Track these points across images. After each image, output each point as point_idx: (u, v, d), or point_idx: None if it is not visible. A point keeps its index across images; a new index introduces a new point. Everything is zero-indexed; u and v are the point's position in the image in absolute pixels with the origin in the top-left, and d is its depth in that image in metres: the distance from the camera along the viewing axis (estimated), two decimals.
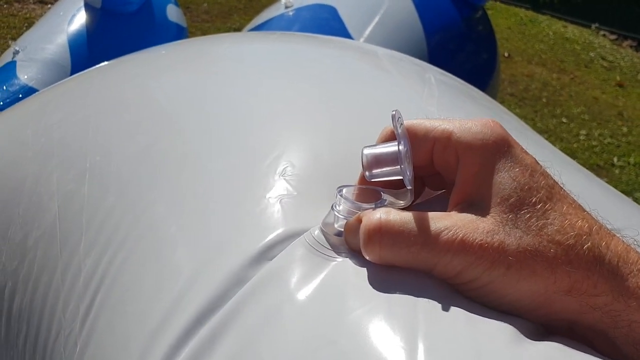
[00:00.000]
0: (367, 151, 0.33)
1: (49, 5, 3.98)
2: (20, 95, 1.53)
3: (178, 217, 0.37)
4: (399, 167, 0.32)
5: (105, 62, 0.69)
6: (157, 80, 0.55)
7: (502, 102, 3.68)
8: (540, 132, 3.57)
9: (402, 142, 0.32)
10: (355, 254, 0.31)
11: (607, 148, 3.55)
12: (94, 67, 0.67)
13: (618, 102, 4.28)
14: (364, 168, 0.33)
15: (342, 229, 0.32)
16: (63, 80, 0.67)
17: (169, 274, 0.34)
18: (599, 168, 3.33)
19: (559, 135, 3.62)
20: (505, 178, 0.30)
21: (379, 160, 0.33)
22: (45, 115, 0.55)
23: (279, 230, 0.33)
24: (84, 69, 1.70)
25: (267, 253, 0.32)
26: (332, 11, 1.46)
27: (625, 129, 3.84)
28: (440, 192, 0.36)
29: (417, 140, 0.33)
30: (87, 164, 0.44)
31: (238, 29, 4.28)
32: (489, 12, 1.97)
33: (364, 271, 0.30)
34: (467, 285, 0.29)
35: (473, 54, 1.89)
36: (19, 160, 0.52)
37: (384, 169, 0.33)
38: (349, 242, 0.32)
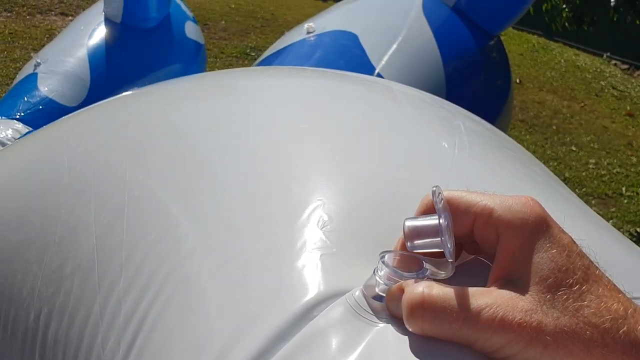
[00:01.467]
0: (409, 223, 0.34)
1: (70, 17, 4.03)
2: (41, 107, 1.55)
3: (219, 267, 0.37)
4: (439, 239, 0.33)
5: (139, 89, 0.69)
6: (194, 116, 0.56)
7: (512, 129, 3.69)
8: (550, 159, 3.57)
9: (442, 217, 0.33)
10: (396, 321, 0.32)
11: (615, 177, 3.55)
12: (128, 93, 0.67)
13: (628, 132, 4.28)
14: (406, 239, 0.34)
15: (383, 294, 0.33)
16: (94, 105, 0.68)
17: (210, 327, 0.34)
18: (608, 197, 3.33)
19: (568, 163, 3.62)
20: (543, 258, 0.31)
21: (420, 233, 0.34)
22: (81, 142, 0.56)
23: (320, 290, 0.34)
24: (103, 82, 1.72)
25: (308, 313, 0.33)
26: (354, 38, 1.48)
27: (634, 159, 3.83)
28: (475, 256, 0.37)
29: (458, 213, 0.34)
30: (125, 197, 0.45)
31: (255, 48, 4.31)
32: (502, 38, 1.99)
33: (405, 340, 0.31)
34: None
35: (488, 81, 1.90)
36: (54, 185, 0.53)
37: (425, 241, 0.34)
38: (390, 308, 0.33)
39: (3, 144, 1.36)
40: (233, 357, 0.32)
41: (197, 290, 0.37)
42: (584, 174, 3.51)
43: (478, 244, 0.35)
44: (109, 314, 0.39)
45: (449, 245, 0.33)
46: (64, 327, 0.43)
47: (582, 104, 4.71)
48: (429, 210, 0.35)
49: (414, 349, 0.30)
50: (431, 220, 0.34)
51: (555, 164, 3.54)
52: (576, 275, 0.31)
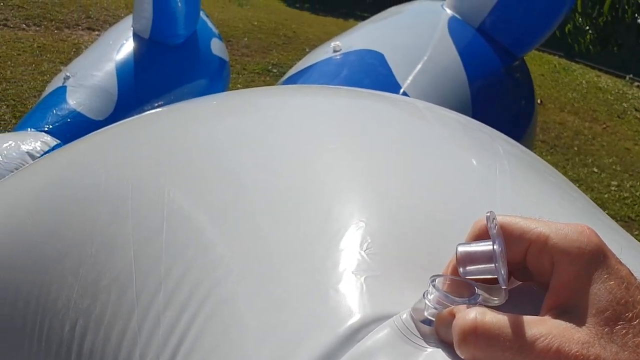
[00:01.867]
0: (461, 249, 0.34)
1: (97, 32, 4.11)
2: (69, 120, 1.57)
3: (258, 288, 0.37)
4: (493, 266, 0.33)
5: (171, 105, 0.70)
6: (231, 134, 0.56)
7: (534, 149, 3.66)
8: (572, 180, 3.52)
9: (496, 242, 0.33)
10: (446, 346, 0.32)
11: (638, 200, 3.50)
12: (161, 109, 0.68)
13: None
14: (458, 264, 0.33)
15: (432, 318, 0.33)
16: (128, 120, 0.68)
17: (250, 349, 0.34)
18: (631, 220, 3.28)
19: (589, 185, 3.58)
20: (601, 290, 0.30)
21: (473, 259, 0.33)
22: (116, 157, 0.56)
23: (366, 312, 0.33)
24: (130, 96, 1.75)
25: (354, 335, 0.32)
26: (380, 57, 1.48)
27: None
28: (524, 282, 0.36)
29: (512, 239, 0.33)
30: (164, 213, 0.45)
31: (276, 64, 4.35)
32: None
33: None
34: None
35: (513, 101, 1.90)
36: (89, 199, 0.53)
37: (478, 267, 0.33)
38: (440, 333, 0.32)
39: (32, 156, 1.38)
40: None
41: (236, 311, 0.36)
42: (606, 196, 3.47)
43: (529, 271, 0.34)
44: (147, 328, 0.40)
45: (503, 272, 0.32)
46: (101, 339, 0.43)
47: (604, 126, 4.67)
48: (481, 236, 0.34)
49: None
50: (485, 246, 0.33)
51: (577, 185, 3.50)
52: (636, 309, 0.30)
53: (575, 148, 4.09)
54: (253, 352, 0.34)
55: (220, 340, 0.35)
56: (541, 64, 5.77)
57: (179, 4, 1.79)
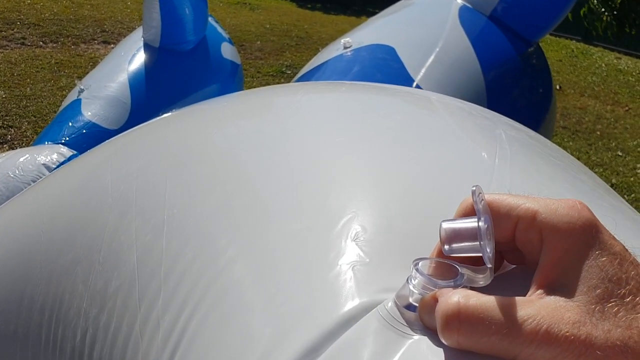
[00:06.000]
0: (446, 225, 0.32)
1: (112, 45, 4.17)
2: (84, 131, 1.59)
3: (253, 283, 0.37)
4: (478, 243, 0.31)
5: (179, 110, 0.70)
6: (231, 132, 0.56)
7: (555, 136, 3.61)
8: (595, 165, 3.47)
9: (482, 219, 0.31)
10: (431, 333, 0.30)
11: None
12: (168, 114, 0.68)
13: None
14: (442, 242, 0.32)
15: (417, 304, 0.31)
16: (137, 127, 0.69)
17: (245, 342, 0.34)
18: None
19: (614, 169, 3.52)
20: (592, 266, 0.29)
21: (458, 235, 0.32)
22: (123, 163, 0.57)
23: (353, 302, 0.33)
24: (143, 105, 1.76)
25: (340, 326, 0.31)
26: (391, 51, 1.47)
27: None
28: (517, 266, 0.35)
29: (499, 216, 0.32)
30: (164, 216, 0.45)
31: (290, 66, 4.36)
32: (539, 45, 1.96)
33: (440, 352, 0.29)
34: None
35: (529, 89, 1.87)
36: (99, 206, 0.53)
37: (463, 245, 0.31)
38: (424, 319, 0.31)
39: (48, 168, 1.40)
40: None
41: (233, 305, 0.36)
42: (632, 179, 3.40)
43: (521, 251, 0.33)
44: (148, 332, 0.39)
45: (489, 250, 0.31)
46: (108, 346, 0.43)
47: (627, 108, 4.59)
48: (468, 213, 0.33)
49: None
50: (470, 223, 0.31)
51: (601, 170, 3.44)
52: (629, 285, 0.28)
53: (598, 132, 4.03)
54: (247, 345, 0.33)
55: (220, 330, 0.35)
56: (558, 49, 5.69)
57: (187, 11, 1.80)
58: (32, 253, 0.59)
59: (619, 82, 5.10)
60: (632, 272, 0.29)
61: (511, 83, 1.74)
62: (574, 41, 5.95)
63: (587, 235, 0.30)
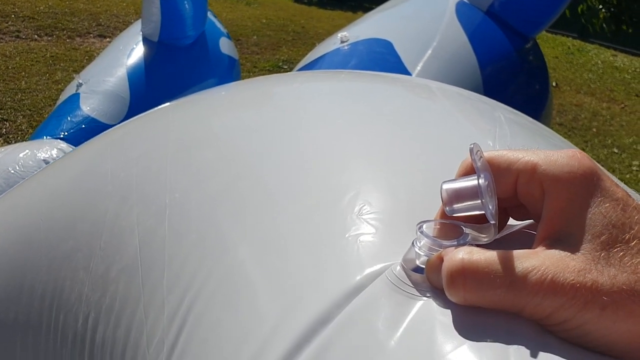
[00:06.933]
0: (446, 186, 0.32)
1: (108, 39, 4.16)
2: (83, 126, 1.59)
3: (260, 258, 0.37)
4: (480, 201, 0.31)
5: (178, 100, 0.71)
6: (232, 119, 0.56)
7: None
8: None
9: (482, 176, 0.31)
10: (439, 293, 0.31)
11: None
12: (167, 104, 0.69)
13: None
14: (444, 203, 0.32)
15: (423, 266, 0.31)
16: (136, 117, 0.69)
17: (253, 316, 0.34)
18: None
19: (610, 166, 3.53)
20: (595, 213, 0.29)
21: (459, 195, 0.32)
22: (123, 151, 0.57)
23: (361, 270, 0.33)
24: (142, 99, 1.76)
25: (349, 294, 0.32)
26: (388, 45, 1.48)
27: None
28: (526, 222, 0.35)
29: (499, 172, 0.32)
30: (166, 200, 0.46)
31: (287, 61, 4.37)
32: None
33: (449, 313, 0.29)
34: (559, 326, 0.28)
35: (526, 84, 1.87)
36: (99, 194, 0.54)
37: (465, 204, 0.32)
38: (431, 280, 0.31)
39: (48, 163, 1.40)
40: (276, 344, 0.31)
41: (239, 282, 0.37)
42: (627, 176, 3.42)
43: (524, 206, 0.32)
44: (153, 314, 0.40)
45: (491, 207, 0.30)
46: (111, 329, 0.44)
47: (622, 105, 4.61)
48: (469, 172, 0.33)
49: (459, 324, 0.29)
50: (470, 181, 0.31)
51: None
52: (633, 229, 0.28)
53: (594, 129, 4.04)
54: (256, 319, 0.34)
55: (228, 307, 0.36)
56: (555, 46, 5.70)
57: (187, 6, 1.80)
58: (32, 241, 0.59)
59: (615, 80, 5.11)
60: (636, 217, 0.29)
61: (508, 79, 1.75)
62: (570, 38, 5.96)
63: (588, 183, 0.29)
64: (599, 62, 5.45)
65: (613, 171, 3.45)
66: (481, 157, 0.32)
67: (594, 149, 3.74)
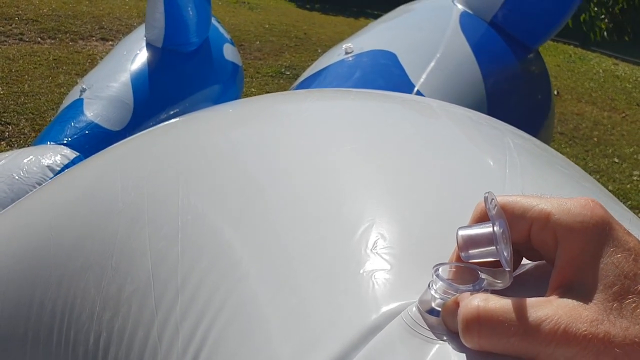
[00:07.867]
0: (462, 232, 0.33)
1: (111, 42, 4.16)
2: (87, 132, 1.59)
3: (274, 293, 0.37)
4: (495, 248, 0.32)
5: (186, 116, 0.71)
6: (244, 142, 0.56)
7: (552, 142, 3.62)
8: (592, 172, 3.49)
9: (496, 224, 0.32)
10: (454, 336, 0.31)
11: None
12: (176, 120, 0.69)
13: None
14: (460, 249, 0.33)
15: (439, 308, 0.32)
16: (143, 132, 0.69)
17: (269, 355, 0.34)
18: None
19: (611, 175, 3.53)
20: (607, 263, 0.29)
21: (474, 242, 0.32)
22: (133, 168, 0.57)
23: (377, 310, 0.33)
24: (146, 105, 1.76)
25: (365, 336, 0.32)
26: (392, 57, 1.48)
27: None
28: (536, 264, 0.35)
29: (513, 219, 0.32)
30: (179, 222, 0.46)
31: (289, 67, 4.37)
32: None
33: (464, 357, 0.30)
34: None
35: (529, 95, 1.88)
36: (109, 213, 0.54)
37: (480, 250, 0.32)
38: (447, 323, 0.32)
39: (52, 170, 1.40)
40: None
41: (253, 317, 0.37)
42: (628, 186, 3.42)
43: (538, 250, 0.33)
44: (167, 338, 0.40)
45: (506, 254, 0.31)
46: (123, 350, 0.44)
47: (624, 115, 4.61)
48: (483, 218, 0.33)
49: None
50: (485, 228, 0.32)
51: (598, 177, 3.46)
52: None
53: (595, 139, 4.04)
54: (271, 356, 0.34)
55: (242, 342, 0.36)
56: (556, 54, 5.71)
57: (191, 12, 1.80)
58: (41, 258, 0.59)
59: (616, 89, 5.12)
60: None
61: (511, 89, 1.75)
62: (572, 46, 5.97)
63: (600, 233, 0.30)
64: (601, 70, 5.46)
65: (613, 181, 3.45)
66: (495, 205, 0.32)
67: (595, 159, 3.74)
